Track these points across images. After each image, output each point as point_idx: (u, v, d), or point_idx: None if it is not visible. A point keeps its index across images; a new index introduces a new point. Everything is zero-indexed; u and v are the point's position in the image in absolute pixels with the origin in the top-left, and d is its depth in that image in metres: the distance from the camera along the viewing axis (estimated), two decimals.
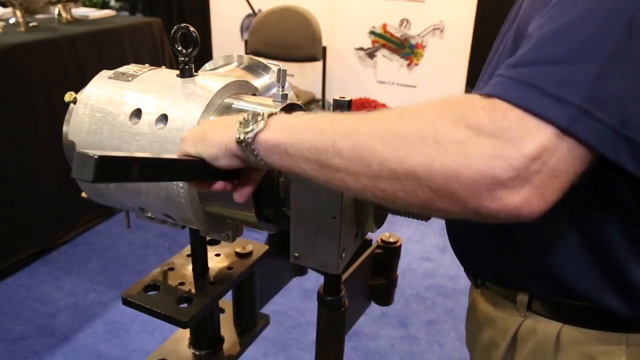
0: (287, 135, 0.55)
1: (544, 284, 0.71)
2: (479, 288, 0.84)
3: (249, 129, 0.56)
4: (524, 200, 0.45)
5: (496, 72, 0.51)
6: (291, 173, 0.56)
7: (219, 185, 0.64)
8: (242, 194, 0.64)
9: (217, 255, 0.88)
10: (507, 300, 0.77)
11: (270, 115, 0.57)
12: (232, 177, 0.63)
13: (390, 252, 0.90)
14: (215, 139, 0.60)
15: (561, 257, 0.68)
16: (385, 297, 0.94)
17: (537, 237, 0.69)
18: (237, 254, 0.88)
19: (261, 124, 0.56)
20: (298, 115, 0.60)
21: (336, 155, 0.51)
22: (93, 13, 3.00)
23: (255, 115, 0.57)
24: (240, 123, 0.57)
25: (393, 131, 0.49)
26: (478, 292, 0.84)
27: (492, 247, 0.75)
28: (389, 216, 0.74)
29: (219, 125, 0.62)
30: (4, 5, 2.58)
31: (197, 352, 0.88)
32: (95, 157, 0.47)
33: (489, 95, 0.48)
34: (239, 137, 0.57)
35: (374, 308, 0.95)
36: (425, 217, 0.69)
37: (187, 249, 0.87)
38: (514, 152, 0.44)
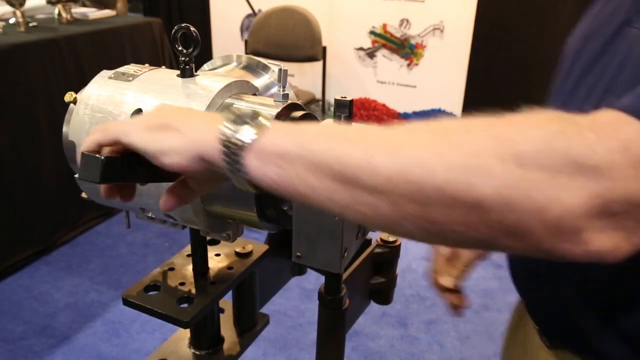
0: (298, 142, 0.43)
1: None
2: (551, 349, 0.73)
3: (244, 129, 0.44)
4: (614, 246, 0.37)
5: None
6: (288, 193, 0.44)
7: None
8: (168, 202, 0.53)
9: (217, 255, 0.88)
10: None
11: (275, 117, 0.46)
12: (169, 179, 0.54)
13: (390, 251, 0.90)
14: (184, 132, 0.47)
15: None
16: (384, 296, 0.94)
17: None
18: (237, 253, 0.88)
19: (260, 128, 0.45)
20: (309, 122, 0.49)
21: (374, 173, 0.40)
22: (93, 13, 3.00)
23: (254, 113, 0.46)
24: (232, 119, 0.45)
25: (458, 147, 0.38)
26: (549, 353, 0.73)
27: (597, 319, 0.62)
28: None
29: (191, 115, 0.50)
30: (12, 5, 2.57)
31: (197, 352, 0.88)
32: (102, 158, 0.47)
33: (616, 109, 0.39)
34: (226, 137, 0.45)
35: (374, 308, 0.95)
36: None
37: (187, 249, 0.87)
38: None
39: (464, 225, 0.38)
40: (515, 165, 0.36)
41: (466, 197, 0.37)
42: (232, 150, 0.44)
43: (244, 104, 0.69)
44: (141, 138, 0.49)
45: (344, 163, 0.41)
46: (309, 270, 0.90)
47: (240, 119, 0.45)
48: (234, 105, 0.69)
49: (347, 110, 0.68)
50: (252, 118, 0.45)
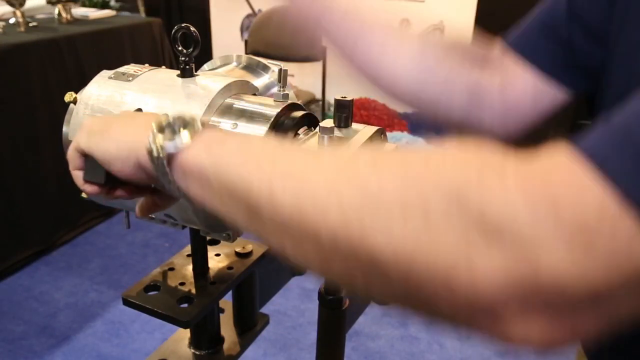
0: (215, 158, 0.40)
1: None
2: None
3: (166, 142, 0.41)
4: (545, 336, 0.29)
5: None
6: (215, 211, 0.41)
7: (120, 192, 0.52)
8: (143, 208, 0.53)
9: (217, 255, 0.88)
10: None
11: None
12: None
13: None
14: (119, 137, 0.46)
15: None
16: None
17: None
18: (237, 253, 0.88)
19: (186, 137, 0.41)
20: (239, 133, 0.47)
21: (271, 205, 0.35)
22: (93, 13, 3.00)
23: (182, 121, 0.42)
24: (159, 128, 0.42)
25: (358, 186, 0.32)
26: None
27: None
28: None
29: (130, 120, 0.48)
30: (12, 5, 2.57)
31: (197, 352, 0.88)
32: None
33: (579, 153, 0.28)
34: (150, 148, 0.42)
35: (374, 308, 0.95)
36: None
37: (187, 249, 0.87)
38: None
39: (364, 281, 0.32)
40: (417, 216, 0.29)
41: (360, 248, 0.30)
42: (158, 161, 0.42)
43: (244, 104, 0.69)
44: (86, 144, 0.48)
45: (247, 189, 0.37)
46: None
47: (169, 128, 0.42)
48: (234, 106, 0.69)
49: (348, 110, 0.68)
50: (181, 126, 0.41)
